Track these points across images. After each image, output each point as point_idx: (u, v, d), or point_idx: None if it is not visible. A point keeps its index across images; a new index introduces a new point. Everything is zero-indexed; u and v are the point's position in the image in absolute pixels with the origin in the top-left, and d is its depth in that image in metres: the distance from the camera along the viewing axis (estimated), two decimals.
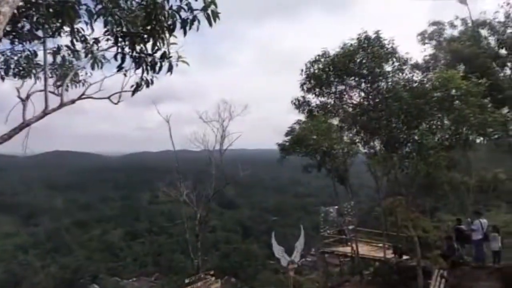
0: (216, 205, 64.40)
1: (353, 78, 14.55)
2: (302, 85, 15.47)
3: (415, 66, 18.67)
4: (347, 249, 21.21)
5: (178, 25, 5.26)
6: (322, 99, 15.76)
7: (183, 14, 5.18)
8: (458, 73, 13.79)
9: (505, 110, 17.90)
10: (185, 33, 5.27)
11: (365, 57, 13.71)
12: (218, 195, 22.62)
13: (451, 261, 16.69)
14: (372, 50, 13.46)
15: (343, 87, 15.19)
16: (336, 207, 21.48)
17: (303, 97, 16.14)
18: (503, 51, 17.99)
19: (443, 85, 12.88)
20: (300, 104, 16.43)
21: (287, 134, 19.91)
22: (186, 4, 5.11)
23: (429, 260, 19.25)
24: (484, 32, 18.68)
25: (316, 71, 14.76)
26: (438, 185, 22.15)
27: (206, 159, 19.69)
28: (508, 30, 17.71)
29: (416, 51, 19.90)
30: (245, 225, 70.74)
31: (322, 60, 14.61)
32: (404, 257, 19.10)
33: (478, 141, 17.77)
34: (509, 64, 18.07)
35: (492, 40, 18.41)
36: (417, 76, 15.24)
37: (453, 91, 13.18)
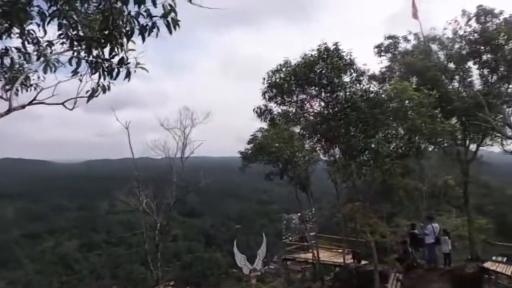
0: (177, 214, 63.04)
1: (313, 87, 14.92)
2: (264, 94, 15.66)
3: (372, 77, 19.44)
4: (309, 256, 21.54)
5: (137, 31, 5.18)
6: (284, 107, 16.03)
7: (142, 21, 5.09)
8: (410, 85, 14.56)
9: (453, 120, 19.04)
10: (143, 39, 5.18)
11: (324, 68, 14.10)
12: (180, 203, 22.20)
13: (406, 265, 17.42)
14: (332, 61, 13.88)
15: (304, 96, 15.52)
16: (299, 214, 21.78)
17: (265, 105, 16.33)
18: (451, 65, 19.05)
19: (397, 96, 13.55)
20: (262, 112, 16.59)
21: (249, 142, 20.02)
22: (145, 11, 5.04)
23: (386, 264, 19.95)
24: (434, 46, 19.71)
25: (278, 80, 15.00)
26: (394, 192, 23.11)
27: (168, 167, 19.33)
28: (456, 46, 18.81)
29: (373, 63, 20.71)
30: (208, 233, 69.96)
31: (284, 69, 14.88)
32: (363, 262, 19.64)
33: (430, 149, 18.83)
34: (457, 77, 19.20)
35: (441, 55, 19.41)
36: (374, 87, 15.93)
37: (407, 102, 13.89)
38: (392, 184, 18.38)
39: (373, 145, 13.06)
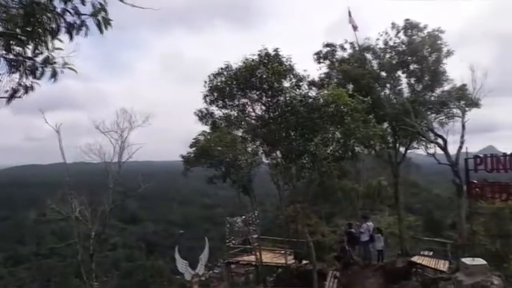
0: (117, 221, 60.15)
1: (255, 91, 15.12)
2: (205, 97, 15.55)
3: (312, 83, 20.13)
4: (252, 258, 21.66)
5: (64, 29, 4.87)
6: (225, 111, 16.05)
7: (70, 18, 4.80)
8: (345, 91, 15.32)
9: (385, 125, 20.37)
10: (71, 38, 4.90)
11: (265, 73, 14.36)
12: (119, 210, 21.23)
13: (343, 262, 18.26)
14: (272, 66, 14.18)
15: (246, 100, 15.67)
16: (244, 216, 21.82)
17: (206, 108, 16.24)
18: (383, 73, 20.32)
19: (333, 102, 14.17)
20: (203, 116, 16.47)
21: (191, 146, 19.68)
22: (73, 8, 4.77)
23: (325, 262, 20.73)
24: (368, 55, 20.91)
25: (219, 83, 14.99)
26: (332, 193, 24.16)
27: (104, 172, 18.29)
28: (387, 55, 20.12)
29: (313, 69, 21.46)
30: (149, 240, 67.39)
31: (225, 73, 14.92)
32: (304, 261, 20.19)
33: (365, 152, 19.94)
34: (388, 85, 20.51)
35: (375, 63, 20.54)
36: (313, 92, 16.55)
37: (342, 107, 14.60)
38: (330, 186, 19.17)
39: (311, 149, 13.51)
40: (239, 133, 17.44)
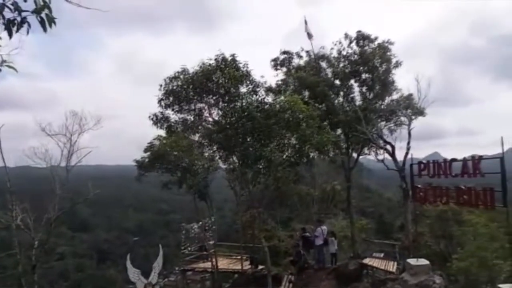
0: (66, 229, 56.95)
1: (211, 96, 15.03)
2: (160, 101, 15.21)
3: (269, 89, 20.40)
4: (208, 265, 21.39)
5: (2, 26, 4.57)
6: (182, 115, 15.79)
7: (9, 15, 4.53)
8: (300, 98, 15.67)
9: (339, 132, 21.07)
10: (10, 35, 4.62)
11: (222, 78, 14.35)
12: (68, 217, 20.09)
13: (298, 266, 18.54)
14: (229, 72, 14.18)
15: (202, 104, 15.53)
16: (200, 223, 21.51)
17: (162, 112, 15.87)
18: (337, 82, 21.03)
19: (289, 108, 14.44)
20: (158, 120, 16.07)
21: (146, 150, 19.21)
22: (12, 4, 4.50)
23: (281, 267, 20.92)
24: (323, 64, 21.56)
25: (175, 87, 14.74)
26: (288, 197, 24.48)
27: (51, 177, 17.20)
28: (341, 64, 20.87)
29: (271, 75, 21.76)
30: (101, 248, 64.36)
31: (182, 77, 14.69)
32: (260, 266, 20.25)
33: (321, 157, 20.45)
34: (341, 93, 21.26)
35: (329, 72, 21.22)
36: (270, 98, 16.72)
37: (298, 113, 14.90)
38: (286, 191, 19.42)
39: (267, 154, 13.64)
40: (196, 138, 17.23)
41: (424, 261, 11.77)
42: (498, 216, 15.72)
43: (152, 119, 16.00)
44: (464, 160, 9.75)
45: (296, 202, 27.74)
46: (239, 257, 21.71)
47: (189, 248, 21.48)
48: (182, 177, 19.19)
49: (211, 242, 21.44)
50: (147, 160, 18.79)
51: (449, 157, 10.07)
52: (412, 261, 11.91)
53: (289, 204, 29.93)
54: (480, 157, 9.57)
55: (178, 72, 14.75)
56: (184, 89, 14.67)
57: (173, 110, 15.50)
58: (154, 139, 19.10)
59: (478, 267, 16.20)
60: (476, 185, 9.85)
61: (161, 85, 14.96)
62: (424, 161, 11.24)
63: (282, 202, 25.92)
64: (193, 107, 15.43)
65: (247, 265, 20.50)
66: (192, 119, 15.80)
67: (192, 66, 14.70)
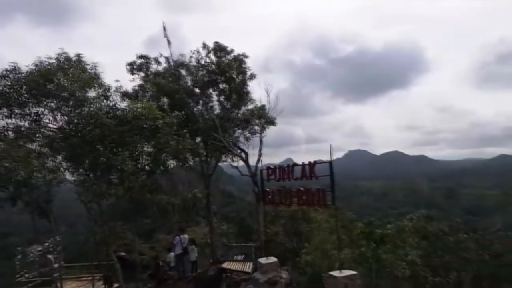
0: None
1: (52, 100, 13.27)
2: None
3: (125, 94, 19.34)
4: None
5: None
6: (12, 120, 13.48)
7: None
8: (157, 105, 15.23)
9: (198, 139, 21.30)
10: None
11: (64, 79, 12.84)
12: None
13: (157, 279, 17.88)
14: (73, 73, 12.80)
15: (41, 109, 13.58)
16: (46, 244, 18.72)
17: None
18: (197, 90, 21.28)
19: (144, 115, 13.85)
20: None
21: None
22: None
23: (141, 282, 19.84)
24: (183, 71, 21.56)
25: (4, 88, 12.51)
26: (147, 208, 23.52)
27: None
28: (200, 73, 21.20)
29: (127, 80, 20.63)
30: None
31: (11, 76, 12.56)
32: (115, 285, 18.81)
33: (178, 165, 20.24)
34: (201, 101, 21.61)
35: (189, 80, 21.33)
36: (125, 104, 15.74)
37: (154, 121, 14.42)
38: (142, 201, 18.57)
39: (118, 163, 12.75)
40: (34, 147, 14.91)
41: (272, 259, 12.75)
42: (338, 212, 18.11)
43: None
44: (303, 165, 10.95)
45: (156, 212, 26.83)
46: (90, 277, 19.75)
47: (26, 275, 18.47)
48: (16, 192, 16.32)
49: (56, 266, 18.92)
50: None
51: (300, 162, 11.14)
52: (262, 260, 12.77)
53: (149, 215, 28.78)
54: (315, 162, 10.90)
55: (7, 70, 12.54)
56: (16, 91, 12.55)
57: (2, 114, 13.10)
58: None
59: (321, 258, 18.23)
60: (323, 186, 11.07)
61: None
62: (271, 167, 12.21)
63: (141, 213, 24.68)
64: (28, 112, 13.32)
65: (100, 286, 18.79)
66: (27, 125, 13.63)
67: (27, 64, 12.74)
